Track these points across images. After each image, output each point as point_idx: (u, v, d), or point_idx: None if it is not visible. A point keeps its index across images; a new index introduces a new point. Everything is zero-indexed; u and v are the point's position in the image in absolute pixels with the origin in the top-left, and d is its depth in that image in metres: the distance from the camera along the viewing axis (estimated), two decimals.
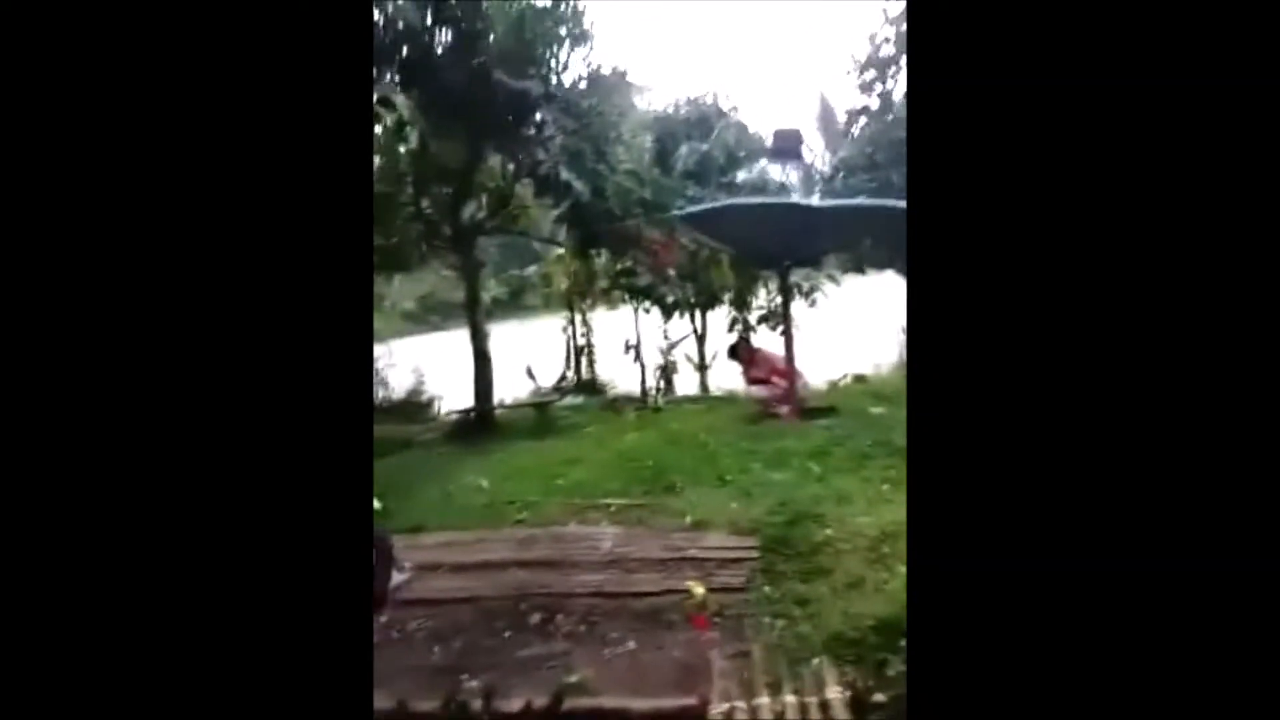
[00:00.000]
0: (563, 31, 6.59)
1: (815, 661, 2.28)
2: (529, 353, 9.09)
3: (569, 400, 8.15)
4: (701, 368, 8.97)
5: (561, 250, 8.47)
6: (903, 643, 2.19)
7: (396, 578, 3.18)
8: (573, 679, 2.36)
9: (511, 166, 6.99)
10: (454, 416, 7.47)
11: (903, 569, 2.51)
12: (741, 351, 6.60)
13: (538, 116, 6.19)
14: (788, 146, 8.52)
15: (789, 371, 5.92)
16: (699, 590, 2.74)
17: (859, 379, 7.90)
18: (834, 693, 2.10)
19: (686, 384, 8.96)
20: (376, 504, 3.26)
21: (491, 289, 9.17)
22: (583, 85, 6.96)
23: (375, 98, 5.67)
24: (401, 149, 7.14)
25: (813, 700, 2.08)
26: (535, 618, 2.83)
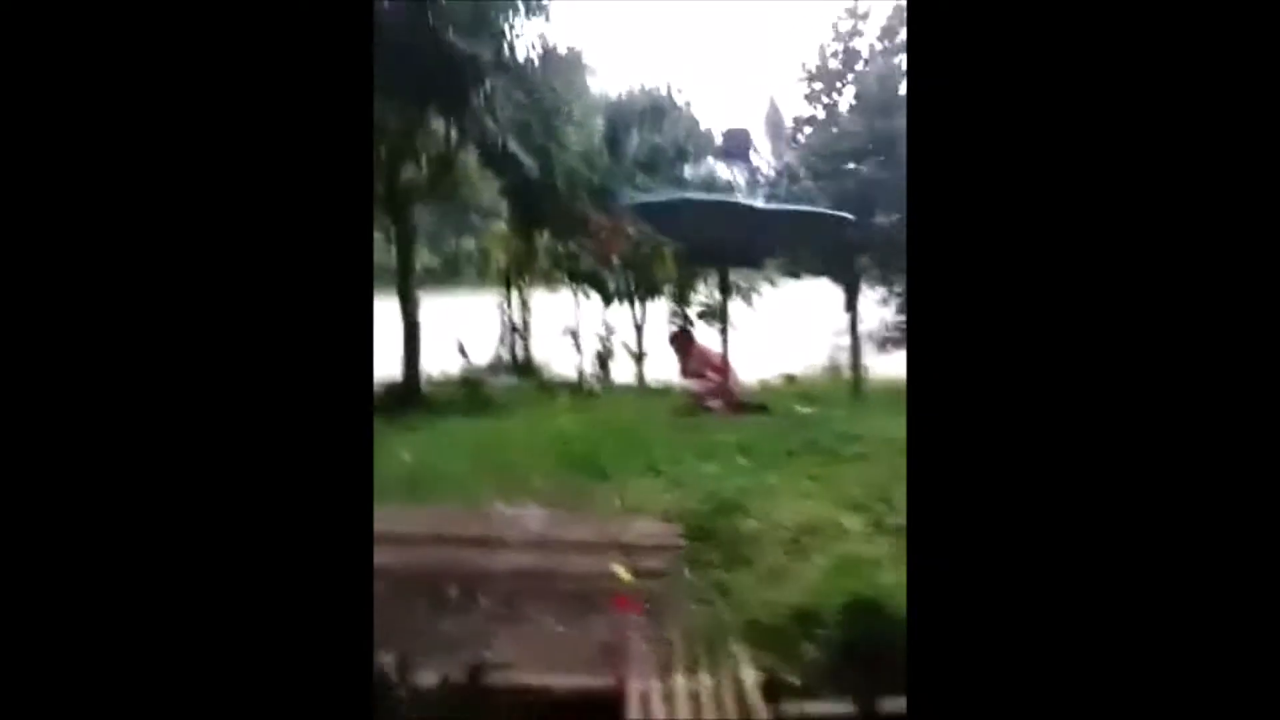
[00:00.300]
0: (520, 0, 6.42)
1: (733, 646, 2.34)
2: (460, 327, 8.84)
3: (501, 380, 8.00)
4: (638, 358, 9.02)
5: (502, 225, 8.28)
6: (816, 630, 2.29)
7: None
8: (491, 656, 2.32)
9: (456, 133, 6.76)
10: (378, 387, 7.18)
11: (820, 561, 2.62)
12: (681, 341, 6.69)
13: (488, 85, 6.01)
14: (736, 147, 8.65)
15: (724, 367, 6.05)
16: (624, 574, 2.76)
17: (789, 379, 8.19)
18: (748, 675, 2.17)
19: (622, 373, 8.99)
20: None
21: (424, 258, 8.85)
22: (536, 60, 6.81)
23: None
24: None
25: (727, 682, 2.15)
26: (455, 594, 2.78)
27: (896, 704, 2.07)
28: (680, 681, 2.14)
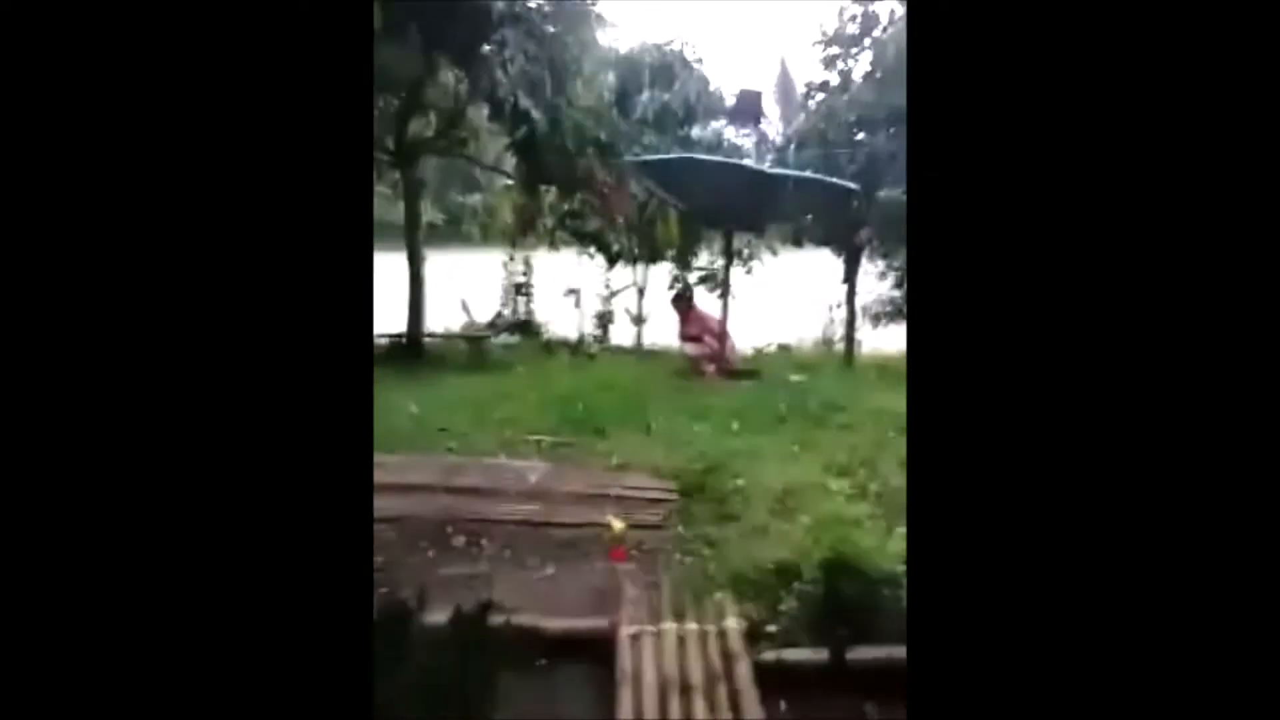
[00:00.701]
0: None
1: (718, 595, 2.52)
2: (463, 284, 8.88)
3: (503, 338, 8.09)
4: (638, 321, 9.10)
5: (508, 181, 8.23)
6: (796, 583, 2.46)
7: None
8: (491, 597, 2.50)
9: (465, 86, 6.67)
10: (383, 340, 7.27)
11: (804, 519, 2.78)
12: (681, 305, 6.76)
13: (499, 35, 5.90)
14: (748, 108, 8.52)
15: (721, 333, 6.15)
16: (618, 524, 2.93)
17: (783, 348, 8.29)
18: (731, 623, 2.34)
19: (622, 335, 9.08)
20: None
21: (428, 213, 8.81)
22: (548, 9, 6.66)
23: None
24: None
25: (711, 628, 2.32)
26: (459, 540, 2.94)
27: (866, 654, 2.25)
28: (668, 626, 2.31)
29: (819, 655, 2.27)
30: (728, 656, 2.20)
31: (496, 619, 2.36)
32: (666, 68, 9.07)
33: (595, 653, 2.28)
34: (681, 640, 2.28)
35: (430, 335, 7.41)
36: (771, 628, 2.35)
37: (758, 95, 8.53)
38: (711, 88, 9.27)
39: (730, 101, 9.16)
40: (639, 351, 8.16)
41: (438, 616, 2.35)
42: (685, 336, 6.54)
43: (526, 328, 8.81)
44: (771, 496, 3.19)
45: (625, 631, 2.30)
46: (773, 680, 2.15)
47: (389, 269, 7.98)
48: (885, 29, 8.41)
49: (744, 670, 2.13)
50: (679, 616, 2.39)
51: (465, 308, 8.65)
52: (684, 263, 8.91)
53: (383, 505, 3.27)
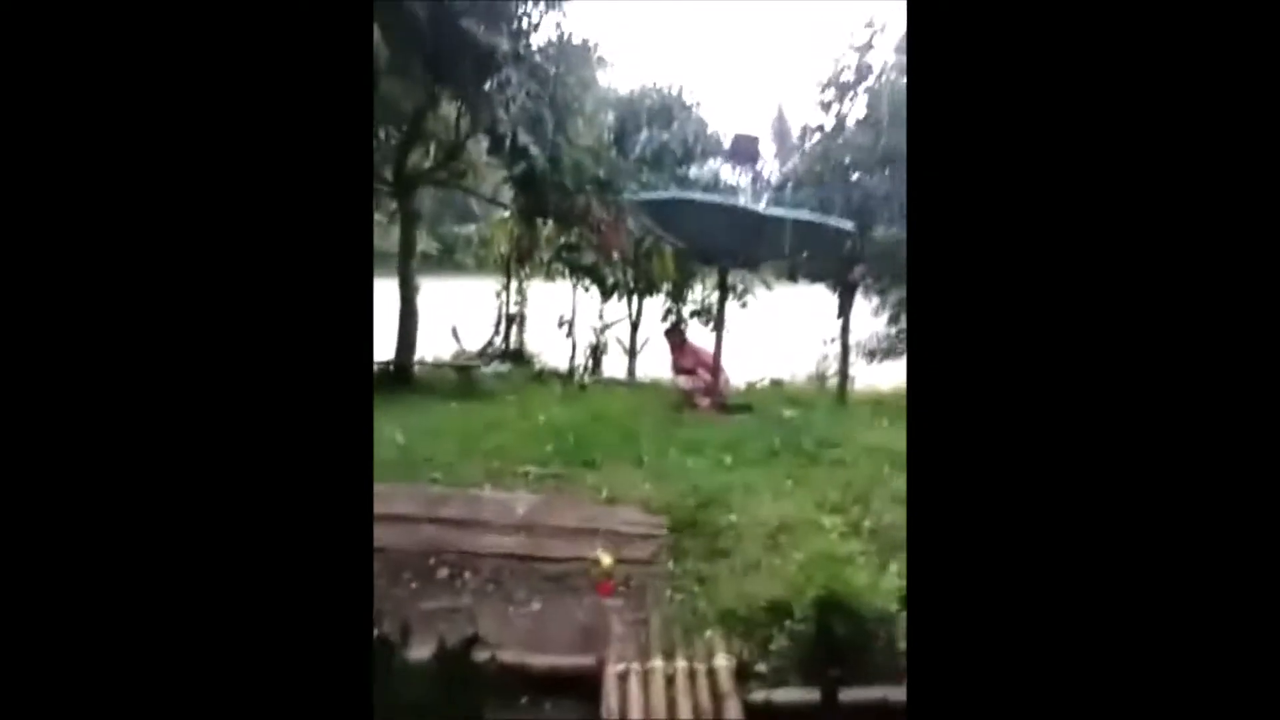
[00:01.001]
0: None
1: (708, 633, 2.45)
2: (455, 313, 8.89)
3: (493, 367, 8.06)
4: (632, 353, 9.11)
5: (505, 214, 8.32)
6: (788, 621, 2.40)
7: None
8: (476, 632, 2.42)
9: (467, 120, 6.80)
10: (376, 366, 7.22)
11: (796, 556, 2.73)
12: (676, 336, 6.78)
13: (502, 74, 6.05)
14: (745, 151, 8.72)
15: (715, 367, 6.15)
16: (606, 559, 2.87)
17: (776, 383, 8.29)
18: (721, 661, 2.28)
19: (614, 367, 9.07)
20: None
21: (423, 241, 8.85)
22: (551, 51, 6.85)
23: None
24: None
25: (701, 667, 2.25)
26: (443, 573, 2.87)
27: (858, 694, 2.19)
28: (656, 664, 2.25)
29: (810, 695, 2.21)
30: (717, 696, 2.13)
31: (481, 655, 2.28)
32: (665, 109, 9.31)
33: (581, 690, 2.21)
34: (670, 679, 2.22)
35: (420, 363, 7.37)
36: (762, 667, 2.28)
37: (754, 140, 8.75)
38: (709, 129, 9.50)
39: (727, 143, 9.37)
40: (632, 384, 8.14)
41: (420, 651, 2.27)
42: (678, 369, 6.54)
43: (518, 357, 8.79)
44: (764, 533, 3.14)
45: (612, 669, 2.23)
46: None
47: (381, 296, 8.00)
48: (879, 77, 8.70)
49: (733, 710, 2.06)
50: (668, 654, 2.32)
51: (456, 335, 8.63)
52: (678, 296, 8.98)
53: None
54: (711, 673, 2.23)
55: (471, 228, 9.72)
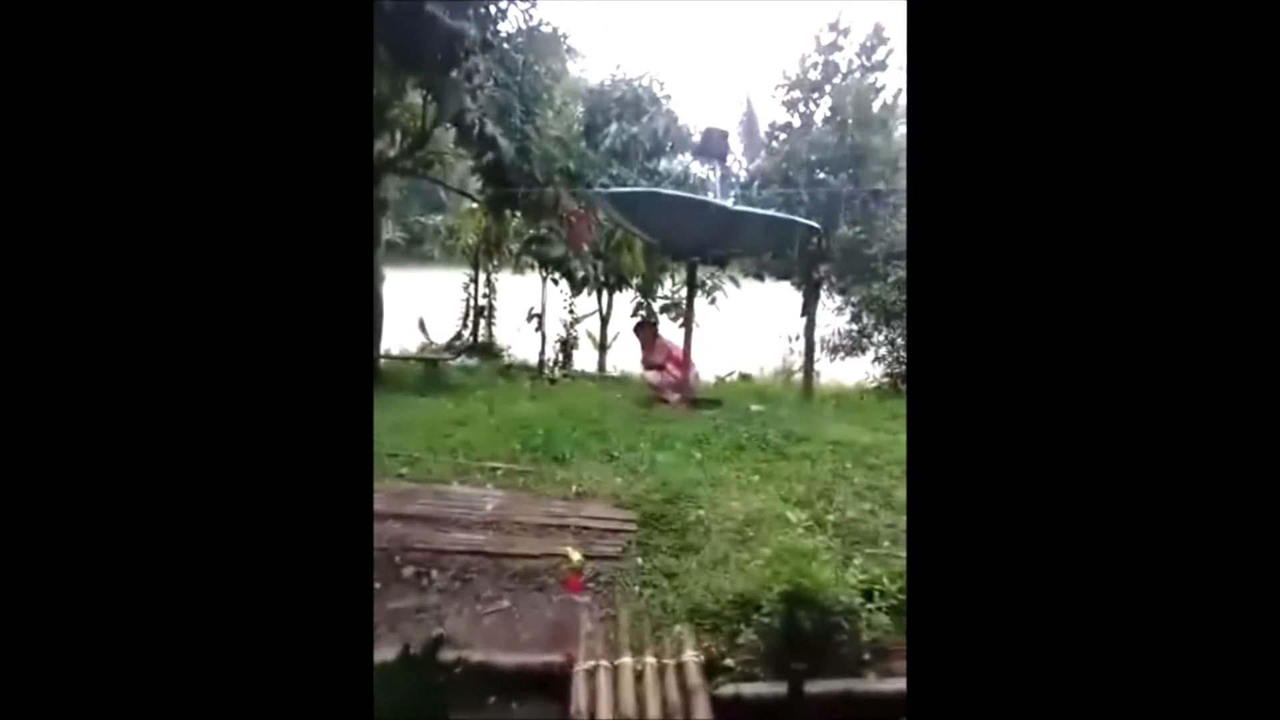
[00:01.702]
0: None
1: (676, 628, 2.47)
2: (422, 304, 8.73)
3: (461, 361, 7.95)
4: (601, 347, 9.08)
5: (472, 204, 8.19)
6: (755, 615, 2.44)
7: None
8: (442, 632, 2.39)
9: (434, 108, 6.66)
10: None
11: (765, 550, 2.77)
12: (646, 331, 6.78)
13: (470, 62, 5.94)
14: (714, 147, 8.75)
15: (684, 361, 6.18)
16: (575, 555, 2.86)
17: (744, 377, 8.39)
18: (689, 656, 2.30)
19: (584, 361, 9.04)
20: None
21: (389, 231, 8.66)
22: (520, 40, 6.75)
23: None
24: None
25: (670, 662, 2.27)
26: (409, 571, 2.83)
27: (824, 687, 2.23)
28: (625, 660, 2.25)
29: (778, 689, 2.24)
30: (686, 691, 2.15)
31: (447, 655, 2.26)
32: (635, 101, 9.27)
33: (550, 689, 2.20)
34: (639, 675, 2.23)
35: (386, 356, 7.23)
36: (730, 661, 2.31)
37: (724, 134, 8.77)
38: (679, 123, 9.49)
39: (697, 138, 9.39)
40: (601, 378, 8.13)
41: (385, 652, 2.24)
42: (648, 364, 6.55)
43: (487, 351, 8.69)
44: (732, 527, 3.18)
45: (581, 666, 2.23)
46: (731, 715, 2.11)
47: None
48: (844, 77, 8.81)
49: (702, 705, 2.08)
50: (637, 650, 2.33)
51: (422, 327, 8.49)
52: (648, 291, 8.99)
53: None
54: (680, 668, 2.25)
55: (439, 218, 9.55)
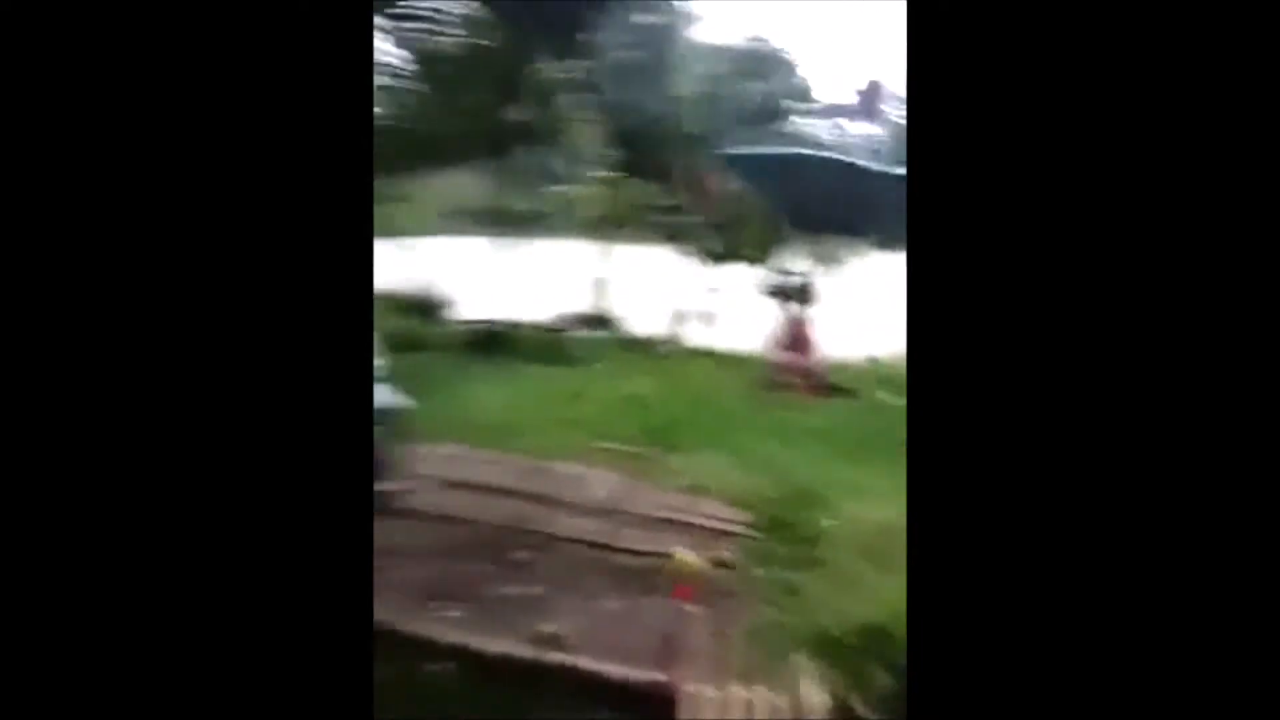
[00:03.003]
0: None
1: (795, 657, 2.21)
2: (549, 273, 8.88)
3: (584, 332, 8.01)
4: (722, 322, 8.77)
5: (601, 173, 8.12)
6: (888, 652, 2.12)
7: (393, 485, 3.13)
8: (549, 628, 2.31)
9: (562, 75, 6.58)
10: (466, 326, 7.36)
11: (903, 573, 2.42)
12: (783, 308, 6.36)
13: (597, 26, 5.75)
14: (870, 101, 7.93)
15: (813, 345, 5.73)
16: (688, 559, 2.67)
17: (872, 361, 7.71)
18: (808, 691, 2.04)
19: (705, 337, 8.78)
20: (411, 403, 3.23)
21: (520, 201, 8.84)
22: (650, 2, 6.45)
23: None
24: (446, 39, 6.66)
25: (785, 700, 2.03)
26: (521, 554, 2.79)
27: None
28: (735, 691, 2.04)
29: None
30: None
31: (554, 656, 2.18)
32: (763, 61, 8.65)
33: (652, 709, 2.05)
34: (749, 706, 2.01)
35: (512, 324, 7.43)
36: (862, 709, 2.02)
37: (879, 86, 7.94)
38: (808, 84, 8.76)
39: (832, 98, 8.61)
40: (721, 356, 7.85)
41: (493, 643, 2.20)
42: (777, 344, 6.15)
43: (607, 323, 8.69)
44: (864, 541, 2.83)
45: (686, 689, 2.05)
46: None
47: (474, 253, 8.08)
48: None
49: None
50: (748, 678, 2.11)
51: (551, 298, 8.65)
52: (774, 265, 8.49)
53: (451, 504, 3.20)
54: (797, 705, 2.00)
55: (566, 187, 9.61)
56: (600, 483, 3.45)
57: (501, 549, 2.85)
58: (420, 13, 6.27)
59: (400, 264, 9.30)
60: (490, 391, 4.70)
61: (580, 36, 5.92)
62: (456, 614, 2.37)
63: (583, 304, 8.82)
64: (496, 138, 6.95)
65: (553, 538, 2.92)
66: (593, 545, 2.89)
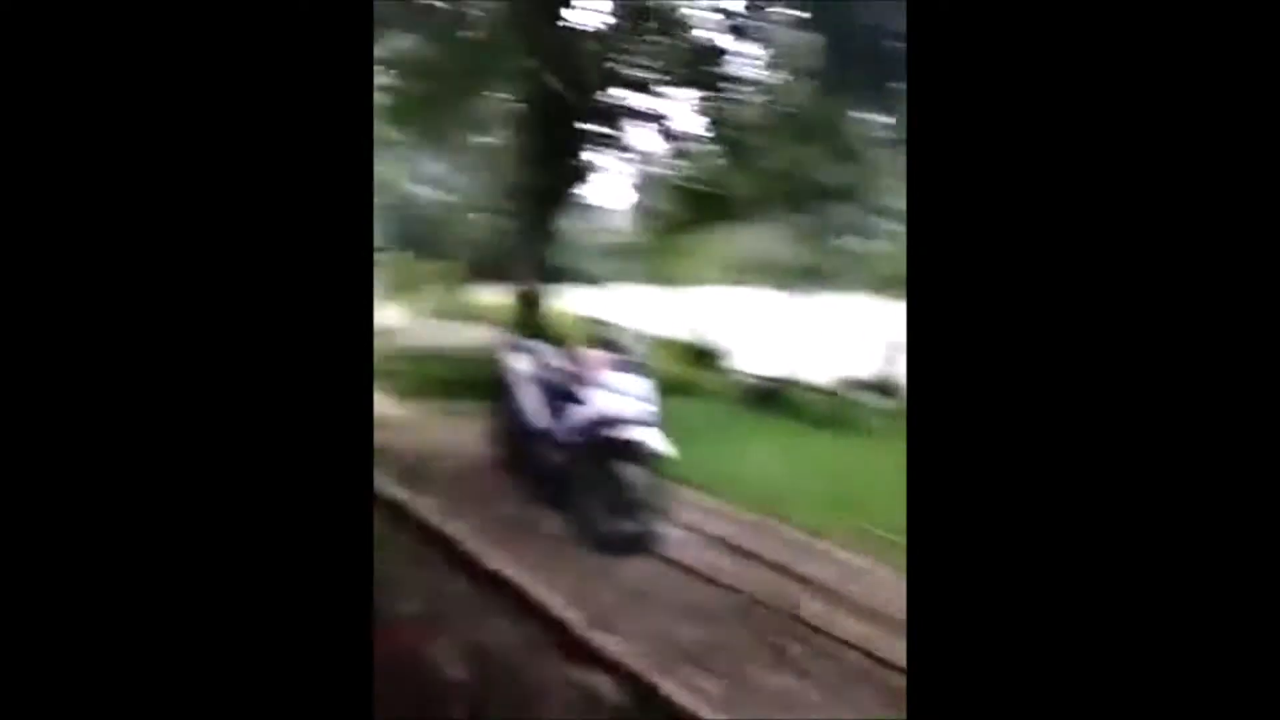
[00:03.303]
0: None
1: None
2: (840, 333, 8.53)
3: (870, 398, 7.46)
4: None
5: (897, 228, 7.56)
6: None
7: (665, 529, 3.24)
8: None
9: (874, 134, 6.34)
10: (746, 379, 7.46)
11: None
12: None
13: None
14: None
15: None
16: None
17: None
18: None
19: None
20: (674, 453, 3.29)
21: (818, 257, 8.71)
22: None
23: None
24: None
25: None
26: (796, 649, 2.60)
27: None
28: None
29: None
30: None
31: None
32: None
33: None
34: None
35: (795, 382, 7.28)
36: None
37: None
38: None
39: None
40: None
41: None
42: None
43: (893, 391, 7.96)
44: None
45: None
46: None
47: (761, 306, 8.15)
48: None
49: None
50: None
51: (836, 359, 8.29)
52: None
53: (723, 566, 3.15)
54: None
55: (871, 243, 9.19)
56: (886, 581, 3.08)
57: (765, 629, 2.70)
58: (721, 85, 6.67)
59: (680, 312, 9.89)
60: (759, 449, 4.61)
61: (892, 85, 5.65)
62: (711, 688, 2.28)
63: (870, 367, 8.25)
64: (803, 194, 6.99)
65: (830, 637, 2.66)
66: (872, 656, 2.55)
